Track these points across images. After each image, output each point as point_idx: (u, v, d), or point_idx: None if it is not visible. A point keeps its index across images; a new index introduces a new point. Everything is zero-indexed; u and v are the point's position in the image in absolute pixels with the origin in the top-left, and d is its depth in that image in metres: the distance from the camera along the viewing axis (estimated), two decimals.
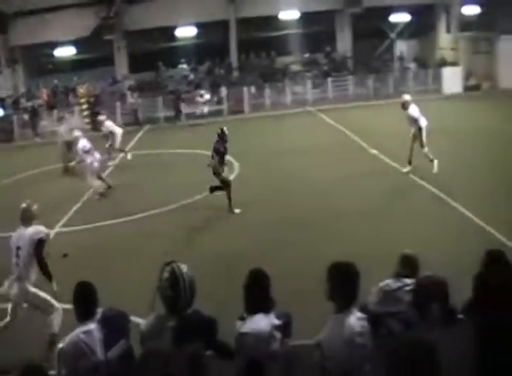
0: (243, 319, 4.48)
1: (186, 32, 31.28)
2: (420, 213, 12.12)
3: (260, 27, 31.59)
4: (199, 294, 4.28)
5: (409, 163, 14.81)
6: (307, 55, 33.33)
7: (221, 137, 13.00)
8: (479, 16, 34.83)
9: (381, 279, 5.04)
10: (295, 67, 32.41)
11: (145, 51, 31.11)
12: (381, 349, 4.44)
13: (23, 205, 7.60)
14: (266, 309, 4.41)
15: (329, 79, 30.50)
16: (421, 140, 14.58)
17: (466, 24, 34.13)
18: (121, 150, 19.59)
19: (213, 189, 13.18)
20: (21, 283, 7.34)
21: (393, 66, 33.48)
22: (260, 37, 32.44)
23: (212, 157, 12.90)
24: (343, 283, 4.20)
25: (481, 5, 33.51)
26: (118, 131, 19.27)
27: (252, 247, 10.65)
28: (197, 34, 31.39)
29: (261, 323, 4.32)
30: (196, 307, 4.31)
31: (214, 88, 29.41)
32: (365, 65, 32.30)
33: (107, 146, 18.90)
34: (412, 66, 32.99)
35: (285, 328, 4.43)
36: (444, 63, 32.21)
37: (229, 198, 12.89)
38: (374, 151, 17.23)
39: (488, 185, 13.49)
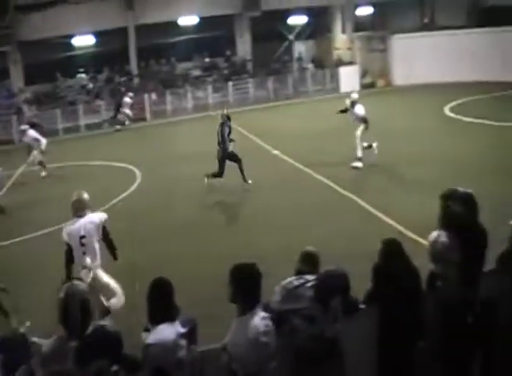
0: (147, 330, 4.45)
1: (84, 41, 30.55)
2: (324, 208, 12.51)
3: (159, 34, 31.26)
4: None
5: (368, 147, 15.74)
6: (207, 59, 33.35)
7: (229, 119, 15.05)
8: (372, 16, 36.12)
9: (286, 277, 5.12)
10: (196, 72, 32.37)
11: (41, 62, 30.10)
12: (286, 346, 4.54)
13: (77, 196, 7.88)
14: (170, 318, 4.39)
15: (230, 83, 30.68)
16: (358, 132, 15.55)
17: (361, 25, 35.29)
18: (40, 163, 18.57)
19: (210, 176, 14.61)
20: (93, 269, 7.75)
21: (292, 67, 34.07)
22: (159, 44, 32.11)
23: (224, 142, 14.47)
24: (245, 284, 4.24)
25: (374, 6, 34.76)
26: (43, 141, 18.57)
27: (150, 258, 10.59)
28: (96, 42, 30.77)
29: (166, 332, 4.30)
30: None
31: (114, 97, 28.92)
32: (265, 67, 32.72)
33: (32, 156, 18.16)
34: (311, 66, 33.79)
35: (190, 335, 4.43)
36: (340, 62, 33.14)
37: (242, 170, 14.50)
38: (276, 152, 17.52)
39: (389, 179, 14.19)
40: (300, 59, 35.18)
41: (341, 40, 34.65)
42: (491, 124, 19.70)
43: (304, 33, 35.46)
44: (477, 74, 27.88)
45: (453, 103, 24.06)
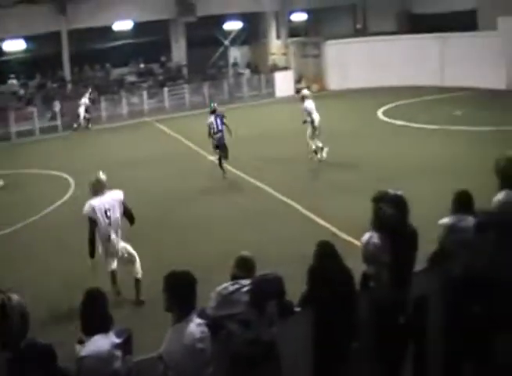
0: (81, 342, 4.36)
1: (15, 45, 29.80)
2: (261, 213, 12.68)
3: (93, 39, 30.77)
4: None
5: (320, 149, 16.23)
6: (142, 65, 33.07)
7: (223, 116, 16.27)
8: (306, 22, 36.62)
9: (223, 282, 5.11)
10: (131, 78, 32.04)
11: None
12: (222, 351, 4.54)
13: (96, 178, 8.99)
14: (105, 329, 4.32)
15: (165, 89, 30.48)
16: (310, 132, 16.13)
17: (295, 30, 35.71)
18: None
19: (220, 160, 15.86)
20: (118, 237, 8.96)
21: (227, 72, 34.16)
22: (94, 49, 31.54)
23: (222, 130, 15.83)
24: (180, 292, 4.21)
25: (308, 13, 35.24)
26: None
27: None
28: (27, 47, 30.03)
29: (100, 343, 4.22)
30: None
31: (46, 103, 28.33)
32: (201, 73, 32.69)
33: None
34: (246, 72, 33.95)
35: (125, 345, 4.37)
36: (275, 67, 33.43)
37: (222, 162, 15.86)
38: (212, 157, 17.56)
39: (323, 182, 14.43)
40: (235, 64, 35.34)
41: (276, 45, 34.99)
42: (421, 127, 20.28)
43: (240, 38, 35.65)
44: (407, 78, 28.64)
45: (386, 107, 24.63)
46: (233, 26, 34.54)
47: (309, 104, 16.32)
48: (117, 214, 8.89)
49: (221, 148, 15.88)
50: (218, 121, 16.06)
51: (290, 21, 35.23)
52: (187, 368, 4.12)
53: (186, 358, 4.11)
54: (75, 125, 26.82)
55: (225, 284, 4.62)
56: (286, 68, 33.25)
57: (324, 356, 4.93)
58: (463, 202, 5.52)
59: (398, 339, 5.19)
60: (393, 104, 25.17)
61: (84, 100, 27.04)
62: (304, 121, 16.27)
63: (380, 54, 29.81)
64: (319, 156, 16.19)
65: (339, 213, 11.89)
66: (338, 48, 31.40)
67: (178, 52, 33.12)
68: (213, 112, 16.38)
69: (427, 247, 5.59)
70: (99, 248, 8.90)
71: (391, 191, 5.18)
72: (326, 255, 5.05)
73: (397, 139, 18.79)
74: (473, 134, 18.83)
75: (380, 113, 23.68)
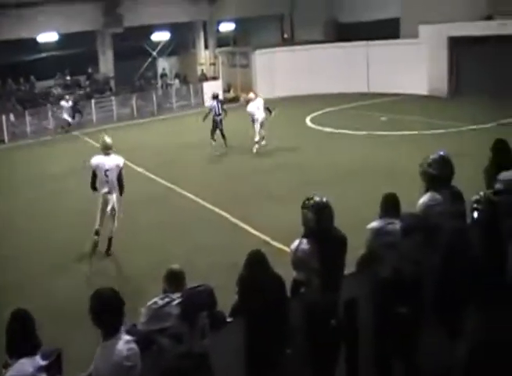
0: (6, 366, 4.21)
1: None
2: (191, 224, 12.63)
3: (17, 51, 30.02)
4: None
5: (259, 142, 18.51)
6: (68, 77, 32.42)
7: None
8: (234, 32, 36.82)
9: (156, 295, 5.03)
10: (57, 91, 31.31)
11: None
12: (154, 367, 4.46)
13: (103, 139, 11.09)
14: (31, 351, 4.17)
15: (93, 101, 29.95)
16: (256, 129, 18.48)
17: (224, 40, 35.84)
18: None
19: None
20: (113, 194, 10.96)
21: (156, 83, 33.91)
22: (17, 62, 30.78)
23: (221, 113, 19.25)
24: (105, 311, 4.12)
25: (236, 23, 35.42)
26: None
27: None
28: None
29: (24, 367, 4.07)
30: None
31: None
32: (129, 84, 32.33)
33: None
34: (175, 82, 33.77)
35: (53, 367, 4.24)
36: (204, 77, 33.42)
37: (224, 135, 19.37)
38: (140, 169, 17.39)
39: (252, 190, 14.49)
40: (164, 75, 35.10)
41: (205, 55, 35.00)
42: (349, 133, 20.68)
43: (168, 49, 35.50)
44: (334, 86, 29.23)
45: (314, 114, 24.97)
46: (161, 36, 34.34)
47: (250, 107, 18.65)
48: (114, 175, 10.82)
49: (218, 127, 19.25)
50: (219, 105, 19.44)
51: (218, 31, 35.33)
52: None
53: None
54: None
55: (155, 299, 4.56)
56: (214, 78, 33.30)
57: (257, 364, 4.92)
58: (390, 205, 5.63)
59: (330, 343, 5.25)
60: (321, 111, 25.54)
61: (62, 103, 26.86)
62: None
63: (307, 62, 30.21)
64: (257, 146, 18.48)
65: (269, 221, 11.93)
66: (266, 58, 31.61)
67: (106, 64, 32.60)
68: (215, 97, 19.82)
69: (355, 251, 5.67)
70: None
71: (316, 197, 5.22)
72: (256, 264, 5.05)
73: (325, 146, 19.10)
74: (398, 138, 19.38)
75: (308, 120, 23.99)
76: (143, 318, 4.47)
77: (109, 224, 11.04)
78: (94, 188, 10.87)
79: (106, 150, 10.94)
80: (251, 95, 19.57)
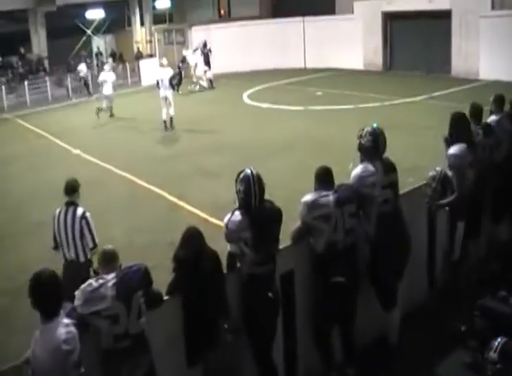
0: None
1: None
2: (128, 203, 12.59)
3: None
4: None
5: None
6: (0, 58, 31.43)
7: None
8: (171, 9, 36.33)
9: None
10: None
11: None
12: (93, 349, 4.44)
13: (161, 61, 19.15)
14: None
15: (26, 82, 29.11)
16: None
17: (160, 17, 35.34)
18: None
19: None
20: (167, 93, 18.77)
21: (91, 63, 33.22)
22: None
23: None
24: (44, 293, 4.05)
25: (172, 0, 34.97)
26: None
27: None
28: None
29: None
30: None
31: None
32: (63, 64, 31.57)
33: None
34: (110, 61, 33.10)
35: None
36: (141, 55, 32.94)
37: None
38: (77, 151, 17.10)
39: (189, 167, 14.44)
40: (99, 54, 34.43)
41: (140, 33, 34.46)
42: (286, 108, 20.81)
43: (103, 27, 34.79)
44: (271, 61, 29.39)
45: (251, 91, 24.98)
46: (96, 14, 33.65)
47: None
48: (166, 82, 18.74)
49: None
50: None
51: (154, 8, 34.82)
52: (54, 372, 3.98)
53: (52, 361, 3.96)
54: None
55: (90, 281, 4.50)
56: (151, 56, 32.85)
57: (195, 340, 4.94)
58: (323, 178, 5.68)
59: (267, 314, 5.31)
60: (258, 88, 25.58)
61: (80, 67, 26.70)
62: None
63: (244, 39, 30.17)
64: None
65: (207, 198, 11.89)
66: (203, 35, 31.32)
67: (39, 44, 31.73)
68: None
69: (292, 223, 5.73)
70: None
71: (247, 170, 5.24)
72: (192, 240, 5.02)
73: (263, 121, 19.17)
74: (334, 112, 19.63)
75: (245, 96, 23.98)
76: (78, 301, 4.41)
77: (168, 109, 18.83)
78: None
79: (163, 66, 19.27)
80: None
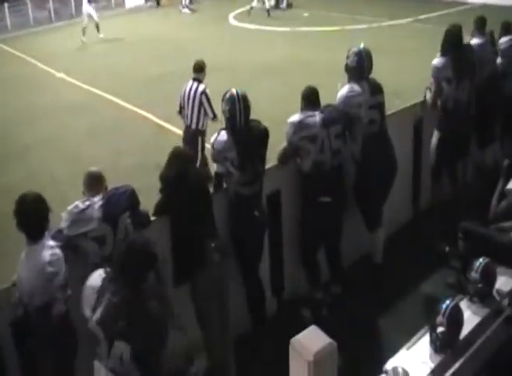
0: None
1: None
2: (113, 126, 12.48)
3: None
4: None
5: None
6: None
7: None
8: None
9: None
10: None
11: None
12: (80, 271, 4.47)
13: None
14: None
15: (6, 5, 28.07)
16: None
17: None
18: None
19: None
20: None
21: None
22: None
23: None
24: (28, 215, 4.06)
25: None
26: None
27: None
28: None
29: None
30: None
31: None
32: None
33: None
34: None
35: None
36: None
37: None
38: (61, 74, 16.77)
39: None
40: None
41: None
42: (272, 29, 20.51)
43: None
44: None
45: (237, 12, 24.45)
46: None
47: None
48: None
49: None
50: None
51: None
52: (40, 294, 4.01)
53: (37, 283, 3.99)
54: None
55: (76, 202, 4.48)
56: None
57: (183, 259, 4.99)
58: (309, 98, 5.64)
59: (254, 232, 5.37)
60: (244, 8, 24.98)
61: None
62: None
63: None
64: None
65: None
66: None
67: None
68: None
69: (279, 144, 5.72)
70: None
71: (233, 90, 5.18)
72: (178, 160, 4.98)
73: (249, 43, 18.86)
74: (320, 34, 19.36)
75: (231, 17, 23.46)
76: (65, 223, 4.40)
77: None
78: None
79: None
80: None
